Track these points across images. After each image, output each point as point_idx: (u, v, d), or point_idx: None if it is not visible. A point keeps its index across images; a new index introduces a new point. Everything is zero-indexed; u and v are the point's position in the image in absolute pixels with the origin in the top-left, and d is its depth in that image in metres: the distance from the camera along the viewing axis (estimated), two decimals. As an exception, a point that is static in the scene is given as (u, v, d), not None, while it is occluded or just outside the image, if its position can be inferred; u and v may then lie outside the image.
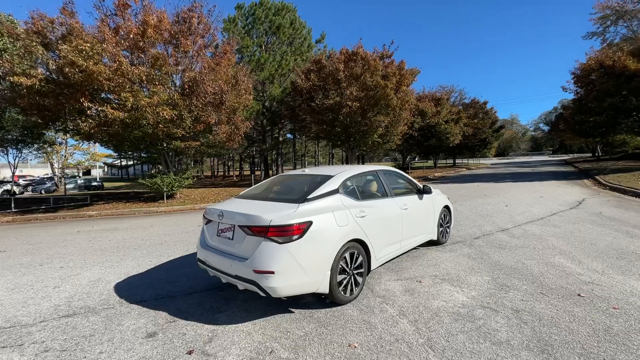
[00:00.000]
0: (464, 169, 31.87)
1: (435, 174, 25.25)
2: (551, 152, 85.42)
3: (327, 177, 3.66)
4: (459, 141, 28.46)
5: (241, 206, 3.36)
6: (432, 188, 5.01)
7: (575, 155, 58.66)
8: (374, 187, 4.22)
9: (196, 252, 3.69)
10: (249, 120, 15.43)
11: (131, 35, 9.71)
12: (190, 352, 2.54)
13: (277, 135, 27.31)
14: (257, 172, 39.35)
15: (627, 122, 17.27)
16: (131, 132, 10.95)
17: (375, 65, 15.86)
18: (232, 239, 3.13)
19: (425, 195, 4.86)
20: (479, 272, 4.04)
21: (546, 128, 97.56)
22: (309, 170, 4.26)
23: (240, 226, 3.03)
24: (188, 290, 3.81)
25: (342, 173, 3.79)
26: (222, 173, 50.85)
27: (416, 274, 4.07)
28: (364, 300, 3.35)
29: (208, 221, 3.53)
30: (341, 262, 3.16)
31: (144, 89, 10.68)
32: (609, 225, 6.21)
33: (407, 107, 18.45)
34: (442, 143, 26.71)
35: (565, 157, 57.17)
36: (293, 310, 3.20)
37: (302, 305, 3.30)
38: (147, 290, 3.88)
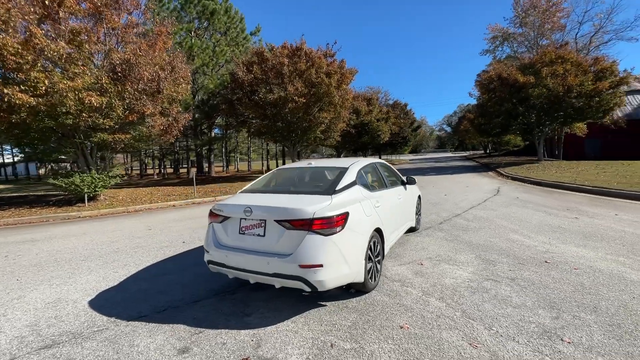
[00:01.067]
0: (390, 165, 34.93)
1: (368, 169, 27.07)
2: (453, 149, 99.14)
3: (344, 169, 3.69)
4: (388, 139, 31.10)
5: (268, 200, 3.16)
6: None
7: (471, 151, 69.43)
8: (377, 178, 4.41)
9: (168, 258, 3.32)
10: (187, 112, 14.06)
11: (46, 2, 7.83)
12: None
13: (207, 129, 25.51)
14: (182, 170, 36.14)
15: (516, 125, 21.39)
16: (41, 121, 8.91)
17: (320, 62, 16.14)
18: (264, 235, 2.92)
19: (408, 186, 5.28)
20: (463, 251, 4.60)
21: (448, 128, 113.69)
22: (315, 163, 4.21)
23: (277, 221, 2.85)
24: (191, 299, 3.40)
25: (354, 165, 3.86)
26: (137, 171, 45.11)
27: (413, 258, 4.41)
28: (384, 286, 3.51)
29: (224, 218, 3.21)
30: (368, 251, 3.25)
31: (61, 70, 8.78)
32: (530, 207, 7.67)
33: (346, 105, 19.27)
34: (374, 140, 28.79)
35: (464, 153, 67.15)
36: (324, 303, 3.17)
37: (328, 298, 3.27)
38: (138, 304, 3.33)
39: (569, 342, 2.36)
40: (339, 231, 2.81)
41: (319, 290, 2.75)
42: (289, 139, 19.41)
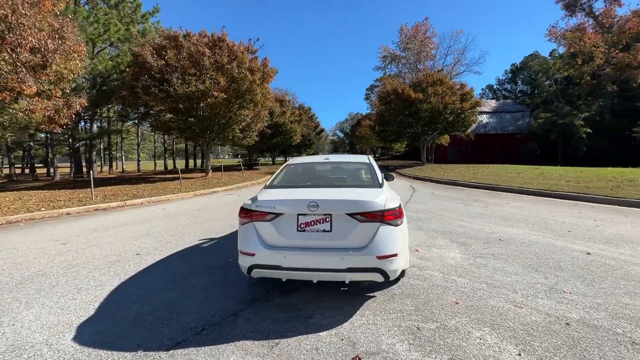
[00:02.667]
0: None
1: (281, 170, 27.25)
2: (347, 153, 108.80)
3: (369, 164, 3.84)
4: (299, 141, 31.96)
5: (323, 194, 3.00)
6: None
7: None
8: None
9: (137, 274, 2.90)
10: (79, 95, 11.12)
11: None
12: (356, 358, 2.22)
13: (89, 120, 20.75)
14: (40, 171, 28.31)
15: (407, 133, 25.36)
16: None
17: (243, 57, 15.39)
18: (330, 230, 2.79)
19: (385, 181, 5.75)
20: (437, 237, 5.34)
21: (341, 134, 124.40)
22: (333, 157, 4.19)
23: (349, 214, 2.77)
24: (225, 313, 2.93)
25: (371, 160, 4.03)
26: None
27: (404, 246, 4.87)
28: (406, 272, 3.81)
29: (275, 216, 2.88)
30: None
31: None
32: (448, 199, 9.36)
33: (267, 104, 18.96)
34: (286, 141, 29.09)
35: (357, 157, 74.50)
36: (372, 294, 3.24)
37: (367, 289, 3.35)
38: (159, 329, 2.67)
39: (569, 293, 3.16)
40: (402, 221, 2.95)
41: (391, 279, 2.83)
42: (203, 137, 17.75)
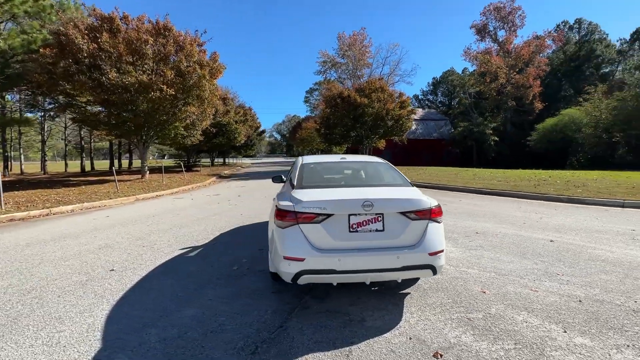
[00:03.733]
0: (239, 167, 34.46)
1: (225, 172, 25.81)
2: (286, 155, 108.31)
3: (387, 164, 3.89)
4: (243, 141, 30.58)
5: (376, 193, 2.94)
6: None
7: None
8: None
9: (121, 300, 2.68)
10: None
11: None
12: (438, 355, 2.23)
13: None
14: None
15: (352, 136, 26.46)
16: None
17: (192, 50, 14.13)
18: (383, 229, 2.75)
19: None
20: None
21: (278, 136, 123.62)
22: (349, 157, 4.12)
23: (402, 212, 2.77)
24: (270, 327, 2.67)
25: (383, 160, 4.10)
26: None
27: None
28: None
29: (325, 217, 2.71)
30: None
31: None
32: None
33: (215, 101, 17.75)
34: (230, 142, 27.55)
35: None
36: (406, 291, 3.30)
37: (397, 287, 3.40)
38: (205, 354, 2.29)
39: (562, 275, 3.68)
40: (442, 219, 3.07)
41: (438, 274, 2.92)
42: (139, 134, 15.77)
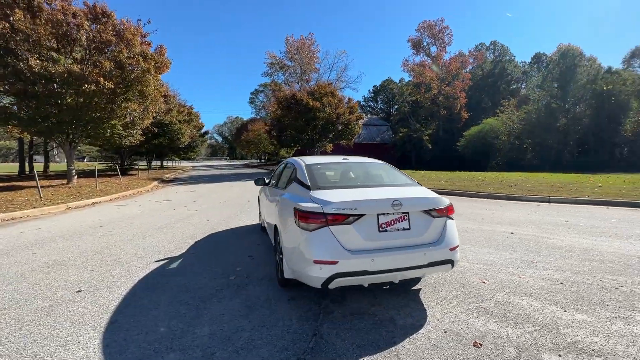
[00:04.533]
0: (180, 170, 31.94)
1: (167, 176, 23.69)
2: (228, 158, 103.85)
3: (387, 164, 3.98)
4: (187, 143, 28.32)
5: (401, 192, 2.99)
6: None
7: (247, 161, 76.18)
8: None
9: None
10: None
11: None
12: (477, 345, 2.35)
13: None
14: None
15: (304, 139, 26.57)
16: None
17: (134, 40, 12.68)
18: (409, 228, 2.80)
19: None
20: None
21: (219, 138, 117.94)
22: (352, 159, 4.07)
23: (425, 211, 2.85)
24: (303, 337, 2.52)
25: (382, 161, 4.19)
26: None
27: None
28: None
29: (357, 218, 2.65)
30: None
31: None
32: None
33: (159, 98, 16.19)
34: (172, 143, 25.25)
35: (241, 162, 72.44)
36: (417, 287, 3.41)
37: (407, 284, 3.51)
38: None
39: (536, 262, 4.18)
40: (454, 216, 3.25)
41: (454, 268, 3.07)
42: (66, 133, 13.59)
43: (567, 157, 31.31)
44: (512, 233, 5.72)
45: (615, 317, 2.72)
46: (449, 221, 3.05)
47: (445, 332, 2.54)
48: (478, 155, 35.73)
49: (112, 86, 12.04)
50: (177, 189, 15.17)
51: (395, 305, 3.01)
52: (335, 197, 2.83)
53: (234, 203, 10.06)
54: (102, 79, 11.70)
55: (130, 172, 22.72)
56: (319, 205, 2.73)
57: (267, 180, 5.54)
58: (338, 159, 4.08)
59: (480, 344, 2.36)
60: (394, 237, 2.78)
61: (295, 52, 39.45)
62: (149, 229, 6.40)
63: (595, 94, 30.13)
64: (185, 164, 55.38)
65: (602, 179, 14.14)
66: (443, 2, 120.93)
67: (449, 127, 43.66)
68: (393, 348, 2.33)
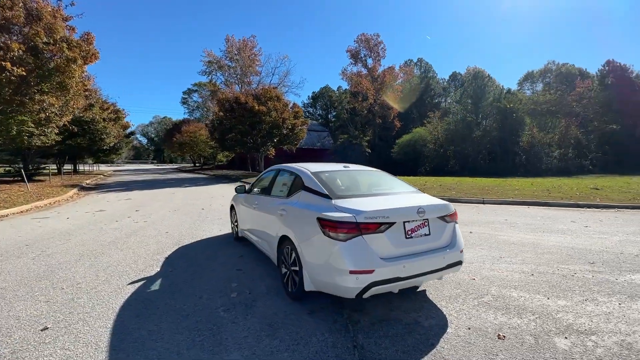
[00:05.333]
0: (101, 175, 27.89)
1: (87, 182, 20.47)
2: (156, 161, 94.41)
3: (383, 172, 4.13)
4: (113, 144, 24.68)
5: (400, 200, 3.10)
6: None
7: (179, 165, 70.30)
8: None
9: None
10: None
11: None
12: (501, 337, 2.59)
13: None
14: None
15: (248, 143, 25.66)
16: None
17: (55, 23, 10.71)
18: (429, 233, 2.95)
19: None
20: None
21: (144, 139, 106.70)
22: (352, 167, 4.08)
23: (441, 217, 3.04)
24: (342, 350, 2.45)
25: (376, 169, 4.34)
26: None
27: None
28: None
29: (388, 226, 2.69)
30: None
31: None
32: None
33: (82, 93, 13.93)
34: (95, 144, 21.74)
35: (172, 166, 66.60)
36: (423, 289, 3.59)
37: (412, 289, 3.68)
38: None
39: (504, 257, 4.77)
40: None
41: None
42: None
43: (481, 163, 36.33)
44: (470, 232, 6.41)
45: (586, 300, 3.28)
46: (457, 225, 3.31)
47: (469, 328, 2.74)
48: (410, 161, 39.12)
49: (24, 73, 10.00)
50: (105, 197, 13.25)
51: (413, 308, 3.13)
52: (364, 206, 2.84)
53: (186, 211, 9.22)
54: (8, 63, 9.64)
55: (37, 178, 19.00)
56: (351, 215, 2.71)
57: (246, 188, 5.26)
58: (339, 166, 4.08)
59: (504, 336, 2.61)
60: (418, 242, 2.91)
61: (236, 52, 38.09)
62: (97, 246, 5.48)
63: (500, 111, 35.73)
64: (104, 168, 48.67)
65: (515, 182, 16.80)
66: (379, 17, 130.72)
67: (384, 135, 46.92)
68: (434, 350, 2.42)
